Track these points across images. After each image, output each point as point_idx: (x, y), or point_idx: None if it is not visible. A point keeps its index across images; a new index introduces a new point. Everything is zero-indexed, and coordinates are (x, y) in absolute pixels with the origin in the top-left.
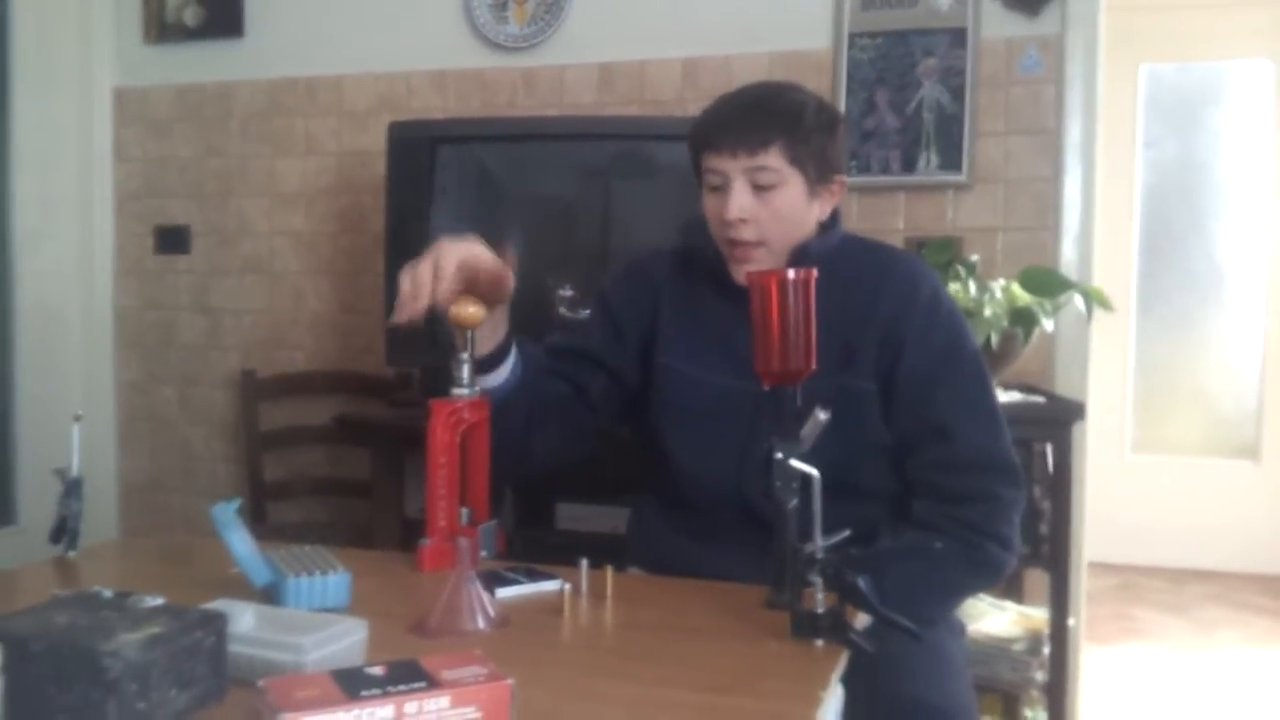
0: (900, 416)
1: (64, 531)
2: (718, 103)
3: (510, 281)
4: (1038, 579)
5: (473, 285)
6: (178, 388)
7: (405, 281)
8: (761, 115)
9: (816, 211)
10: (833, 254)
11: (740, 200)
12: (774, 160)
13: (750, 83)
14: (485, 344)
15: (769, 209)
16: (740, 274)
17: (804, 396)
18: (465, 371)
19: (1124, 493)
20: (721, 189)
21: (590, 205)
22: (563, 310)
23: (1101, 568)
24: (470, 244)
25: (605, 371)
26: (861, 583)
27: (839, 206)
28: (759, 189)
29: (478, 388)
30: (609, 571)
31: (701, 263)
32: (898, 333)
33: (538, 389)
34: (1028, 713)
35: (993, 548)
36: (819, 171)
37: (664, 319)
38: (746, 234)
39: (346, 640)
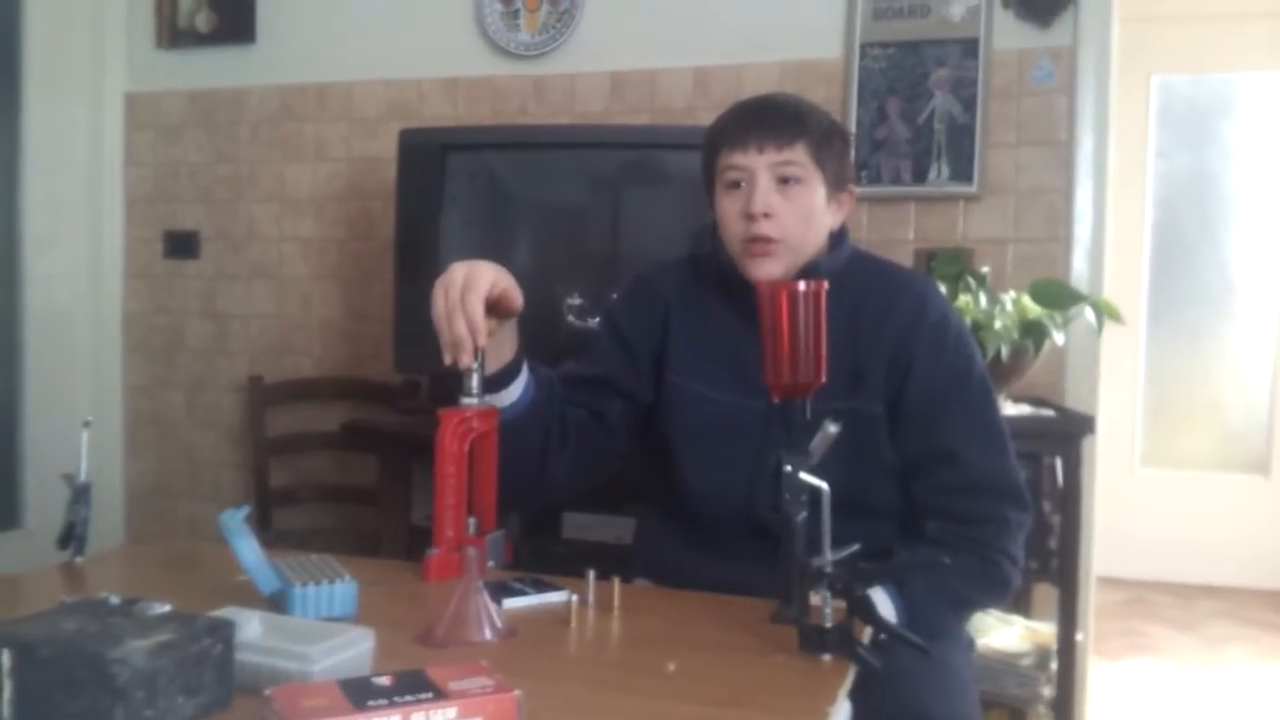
0: (907, 439)
1: (72, 537)
2: (737, 105)
3: (518, 297)
4: (1046, 594)
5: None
6: (185, 393)
7: (443, 328)
8: (787, 114)
9: (830, 219)
10: (841, 271)
11: (765, 194)
12: (800, 156)
13: (766, 93)
14: (493, 362)
15: (792, 205)
16: (756, 270)
17: (813, 417)
18: (474, 380)
19: (1133, 507)
20: (743, 186)
21: (600, 214)
22: (571, 318)
23: (1110, 583)
24: (485, 274)
25: (621, 396)
26: (883, 593)
27: (846, 222)
28: (783, 184)
29: (487, 402)
30: (616, 583)
31: (712, 272)
32: (906, 354)
33: (552, 410)
34: None
35: (1005, 563)
36: (836, 177)
37: (674, 335)
38: (769, 229)
39: (353, 649)
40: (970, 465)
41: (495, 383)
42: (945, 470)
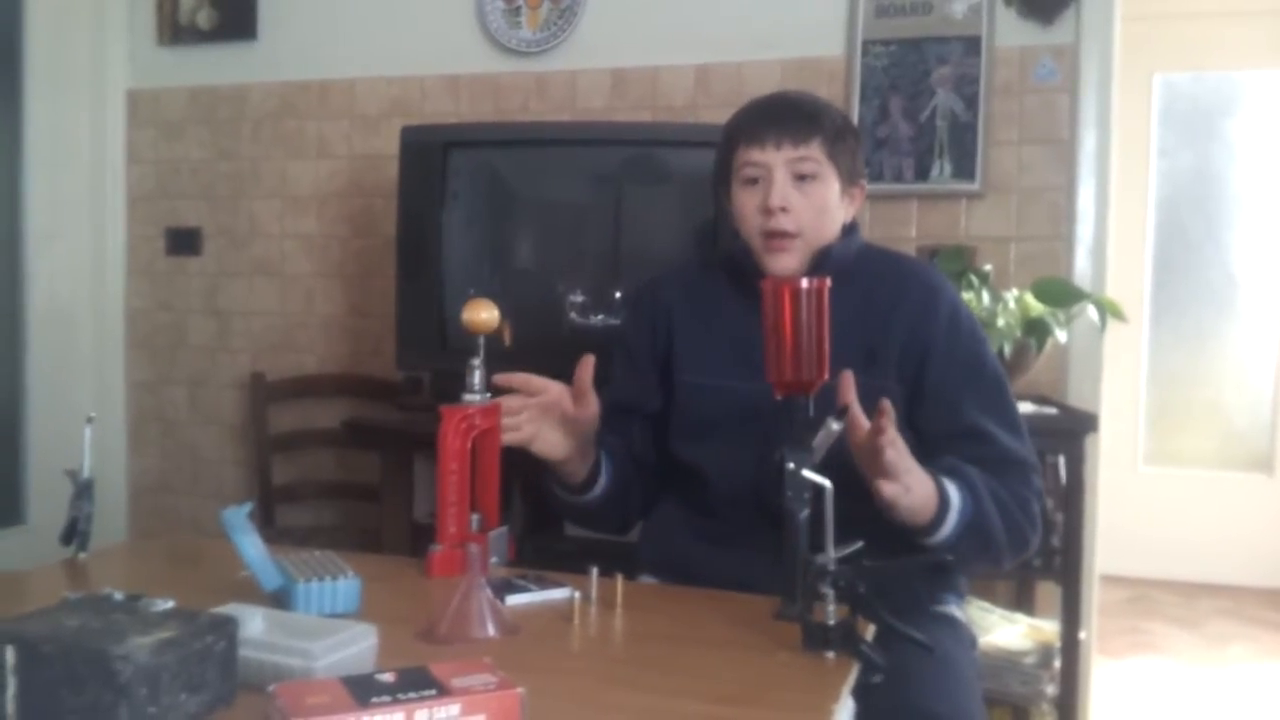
0: (930, 422)
1: (75, 533)
2: (754, 103)
3: (592, 407)
4: (1049, 591)
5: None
6: (187, 389)
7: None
8: (803, 112)
9: (843, 213)
10: (853, 260)
11: (782, 190)
12: (816, 153)
13: (775, 90)
14: (578, 472)
15: (808, 200)
16: (774, 264)
17: (827, 396)
18: (477, 377)
19: (1136, 505)
20: (760, 182)
21: (602, 211)
22: (573, 316)
23: (1113, 581)
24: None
25: (637, 415)
26: (954, 487)
27: (857, 216)
28: (800, 181)
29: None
30: (619, 580)
31: (720, 264)
32: (920, 342)
33: (628, 480)
34: None
35: (1034, 504)
36: (849, 173)
37: (678, 337)
38: (786, 224)
39: (357, 646)
40: (996, 441)
41: (584, 485)
42: (972, 445)
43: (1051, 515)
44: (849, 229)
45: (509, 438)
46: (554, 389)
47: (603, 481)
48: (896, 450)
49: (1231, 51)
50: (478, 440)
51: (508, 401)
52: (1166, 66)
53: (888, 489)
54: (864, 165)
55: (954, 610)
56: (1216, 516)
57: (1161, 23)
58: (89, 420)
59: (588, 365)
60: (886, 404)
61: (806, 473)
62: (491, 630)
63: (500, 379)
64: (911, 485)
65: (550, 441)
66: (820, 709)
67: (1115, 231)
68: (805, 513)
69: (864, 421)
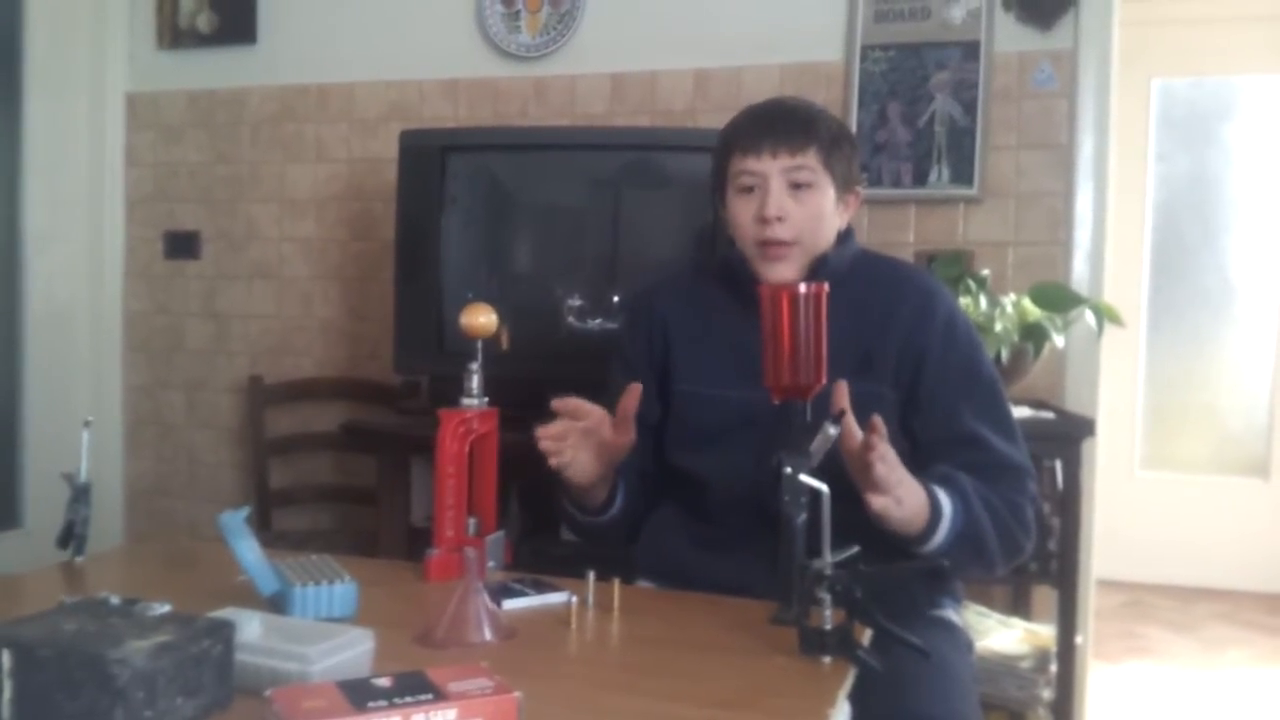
0: (926, 427)
1: (71, 536)
2: (748, 111)
3: (630, 435)
4: (1045, 596)
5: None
6: (185, 393)
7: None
8: (799, 120)
9: (838, 220)
10: (849, 266)
11: (778, 199)
12: (811, 161)
13: (770, 98)
14: (599, 496)
15: (804, 208)
16: (770, 273)
17: (824, 401)
18: (475, 381)
19: (1133, 510)
20: (756, 190)
21: (600, 215)
22: (571, 320)
23: (1110, 585)
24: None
25: (638, 427)
26: (945, 495)
27: (852, 222)
28: (795, 189)
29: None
30: (616, 584)
31: (716, 271)
32: (916, 348)
33: (638, 500)
34: None
35: (1027, 509)
36: (844, 180)
37: (675, 347)
38: (782, 233)
39: (353, 650)
40: (991, 447)
41: (602, 507)
42: (966, 451)
43: (1048, 520)
44: (844, 235)
45: (553, 460)
46: (596, 414)
47: (619, 502)
48: (887, 465)
49: (1229, 57)
50: (475, 444)
51: (556, 426)
52: (1165, 72)
53: (877, 502)
54: (860, 171)
55: (950, 615)
56: (1213, 521)
57: (1160, 28)
58: (86, 423)
59: (635, 394)
60: (878, 420)
61: (803, 477)
62: (488, 634)
63: (558, 405)
64: (903, 498)
65: (582, 465)
66: (816, 713)
67: (1113, 236)
68: (802, 517)
69: (857, 431)
